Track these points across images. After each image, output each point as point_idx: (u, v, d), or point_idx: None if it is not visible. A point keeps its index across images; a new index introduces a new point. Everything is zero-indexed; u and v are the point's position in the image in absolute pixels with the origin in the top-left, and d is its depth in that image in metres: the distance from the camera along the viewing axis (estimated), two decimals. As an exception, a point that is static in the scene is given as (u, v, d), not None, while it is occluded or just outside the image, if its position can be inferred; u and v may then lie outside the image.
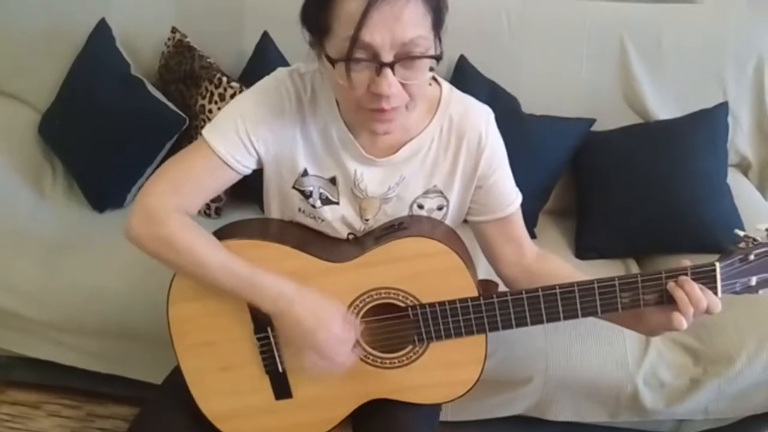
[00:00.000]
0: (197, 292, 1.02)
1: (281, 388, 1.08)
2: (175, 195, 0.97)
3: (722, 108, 1.71)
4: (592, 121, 1.73)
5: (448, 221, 1.10)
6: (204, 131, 0.98)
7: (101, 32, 1.78)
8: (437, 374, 1.07)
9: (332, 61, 0.83)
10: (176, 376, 1.09)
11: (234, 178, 1.01)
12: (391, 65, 0.82)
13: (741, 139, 1.80)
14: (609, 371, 1.37)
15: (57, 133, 1.79)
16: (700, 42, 1.74)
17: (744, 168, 1.85)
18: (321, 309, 0.97)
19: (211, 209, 1.70)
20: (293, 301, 0.95)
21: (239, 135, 0.97)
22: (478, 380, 1.07)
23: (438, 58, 0.86)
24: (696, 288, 0.92)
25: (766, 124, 1.80)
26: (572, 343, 1.39)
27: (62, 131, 1.77)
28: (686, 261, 0.95)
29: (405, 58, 0.82)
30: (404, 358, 1.06)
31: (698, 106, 1.72)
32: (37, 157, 1.81)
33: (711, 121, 1.69)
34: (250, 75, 1.72)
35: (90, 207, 1.73)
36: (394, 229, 1.04)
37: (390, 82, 0.83)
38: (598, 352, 1.38)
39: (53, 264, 1.52)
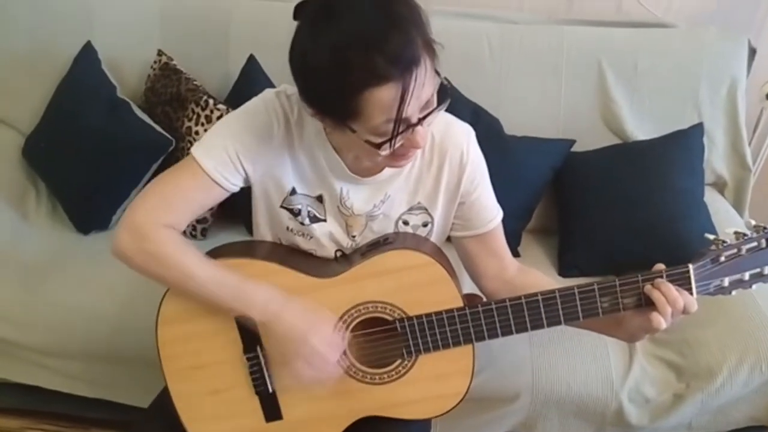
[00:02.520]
0: (186, 314, 1.02)
1: (271, 410, 1.07)
2: (163, 211, 0.98)
3: (697, 129, 1.75)
4: (572, 141, 1.77)
5: (433, 238, 1.13)
6: (193, 149, 0.99)
7: (87, 55, 1.79)
8: (427, 387, 1.07)
9: (375, 145, 0.87)
10: (163, 399, 1.09)
11: (222, 196, 1.02)
12: (420, 122, 0.87)
13: (716, 159, 1.85)
14: (594, 388, 1.38)
15: (42, 156, 1.79)
16: (675, 65, 1.79)
17: (720, 187, 1.90)
18: (310, 315, 0.99)
19: (197, 230, 1.70)
20: (282, 308, 0.97)
21: (228, 153, 0.98)
22: (467, 392, 1.08)
23: (443, 95, 0.90)
24: (672, 289, 0.95)
25: (740, 144, 1.85)
26: (558, 359, 1.40)
27: (47, 154, 1.76)
28: (660, 265, 0.99)
29: (429, 113, 0.87)
30: (393, 373, 1.07)
31: (674, 127, 1.76)
32: (21, 179, 1.80)
33: (687, 142, 1.74)
34: (237, 97, 1.73)
35: (74, 229, 1.72)
36: (379, 245, 1.06)
37: (423, 135, 0.89)
38: (583, 369, 1.40)
39: (37, 286, 1.51)
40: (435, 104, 0.88)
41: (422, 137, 0.89)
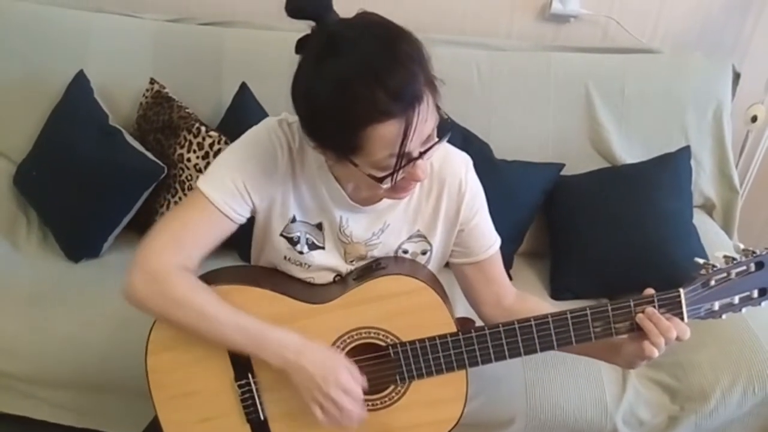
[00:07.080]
0: (176, 342, 1.01)
1: (263, 438, 1.06)
2: (174, 251, 0.97)
3: (685, 152, 1.77)
4: (562, 165, 1.79)
5: (432, 265, 1.13)
6: (198, 183, 0.99)
7: (79, 83, 1.80)
8: (420, 414, 1.07)
9: (377, 179, 0.88)
10: (154, 429, 1.07)
11: (230, 228, 1.01)
12: (421, 156, 0.88)
13: (704, 182, 1.87)
14: (589, 411, 1.38)
15: (33, 184, 1.78)
16: (661, 89, 1.82)
17: (708, 209, 1.91)
18: (329, 361, 0.97)
19: (189, 257, 1.70)
20: (299, 356, 0.95)
21: (235, 184, 0.98)
22: (461, 417, 1.07)
23: (443, 129, 0.91)
24: (663, 319, 0.96)
25: (726, 167, 1.87)
26: (552, 384, 1.40)
27: (39, 182, 1.76)
28: (650, 290, 0.99)
29: (430, 147, 0.88)
30: (386, 399, 1.06)
31: (662, 151, 1.78)
32: (11, 208, 1.80)
33: (675, 165, 1.76)
34: (229, 125, 1.74)
35: (65, 257, 1.71)
36: (371, 270, 1.06)
37: (424, 169, 0.90)
38: (577, 393, 1.39)
39: (26, 314, 1.49)
40: (435, 138, 0.89)
41: (423, 171, 0.90)
